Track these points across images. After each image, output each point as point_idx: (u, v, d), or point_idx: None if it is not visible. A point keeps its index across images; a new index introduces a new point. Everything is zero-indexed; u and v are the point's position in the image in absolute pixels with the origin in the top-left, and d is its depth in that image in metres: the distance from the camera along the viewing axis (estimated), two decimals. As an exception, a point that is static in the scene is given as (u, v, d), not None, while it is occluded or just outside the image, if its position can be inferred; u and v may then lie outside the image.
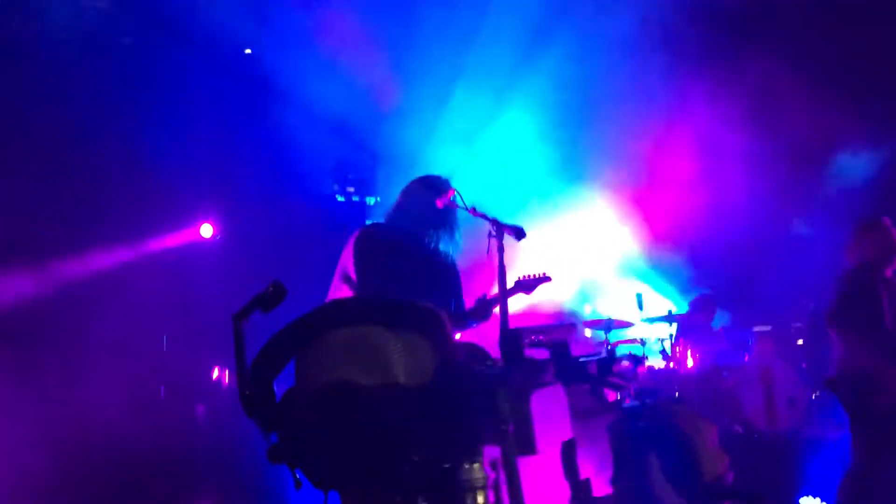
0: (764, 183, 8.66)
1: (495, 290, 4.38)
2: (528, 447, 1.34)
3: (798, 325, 8.30)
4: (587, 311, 9.12)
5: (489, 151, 8.30)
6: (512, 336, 1.37)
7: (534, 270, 4.64)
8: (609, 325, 8.04)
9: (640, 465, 1.39)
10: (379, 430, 1.48)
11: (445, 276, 4.70)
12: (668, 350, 7.81)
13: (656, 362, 7.91)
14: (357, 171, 8.27)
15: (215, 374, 7.70)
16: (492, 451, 1.39)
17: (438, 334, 1.49)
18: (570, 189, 8.37)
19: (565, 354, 1.48)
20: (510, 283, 4.48)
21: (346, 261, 4.59)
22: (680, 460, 1.39)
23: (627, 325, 8.12)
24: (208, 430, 7.49)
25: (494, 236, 4.33)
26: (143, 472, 6.64)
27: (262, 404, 1.59)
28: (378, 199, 8.24)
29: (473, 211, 4.52)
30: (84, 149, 7.01)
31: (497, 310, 4.24)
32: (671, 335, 7.86)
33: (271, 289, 1.63)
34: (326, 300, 4.64)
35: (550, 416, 1.41)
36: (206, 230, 7.68)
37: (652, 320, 8.04)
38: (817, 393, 7.76)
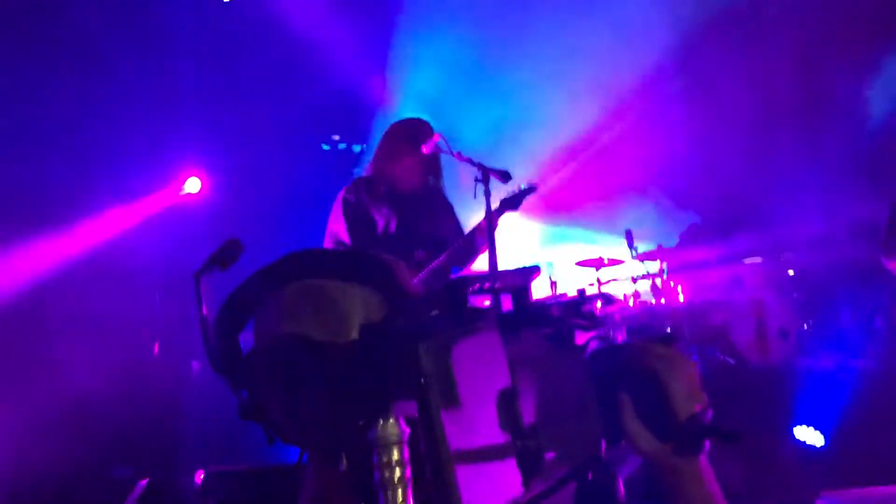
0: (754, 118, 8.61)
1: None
2: (451, 399, 1.33)
3: (788, 255, 8.30)
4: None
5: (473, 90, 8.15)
6: (453, 284, 1.35)
7: (517, 185, 4.55)
8: (600, 264, 8.07)
9: (610, 407, 1.38)
10: (327, 386, 1.48)
11: (444, 218, 4.68)
12: (660, 285, 7.83)
13: (648, 298, 7.93)
14: (342, 118, 8.18)
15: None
16: (409, 407, 1.39)
17: (391, 288, 1.47)
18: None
19: (523, 299, 1.46)
20: (494, 205, 4.43)
21: (336, 224, 4.56)
22: (652, 400, 1.38)
23: (619, 262, 8.13)
24: (203, 388, 7.53)
25: (481, 181, 4.33)
26: (135, 429, 6.70)
27: (227, 360, 1.58)
28: (365, 146, 8.17)
29: (459, 155, 4.50)
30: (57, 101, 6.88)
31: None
32: (663, 270, 7.87)
33: (227, 246, 1.61)
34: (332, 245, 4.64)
35: (479, 364, 1.40)
36: (194, 184, 7.62)
37: (643, 257, 8.04)
38: (809, 323, 7.81)
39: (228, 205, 7.57)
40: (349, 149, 8.11)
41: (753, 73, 8.66)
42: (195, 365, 7.68)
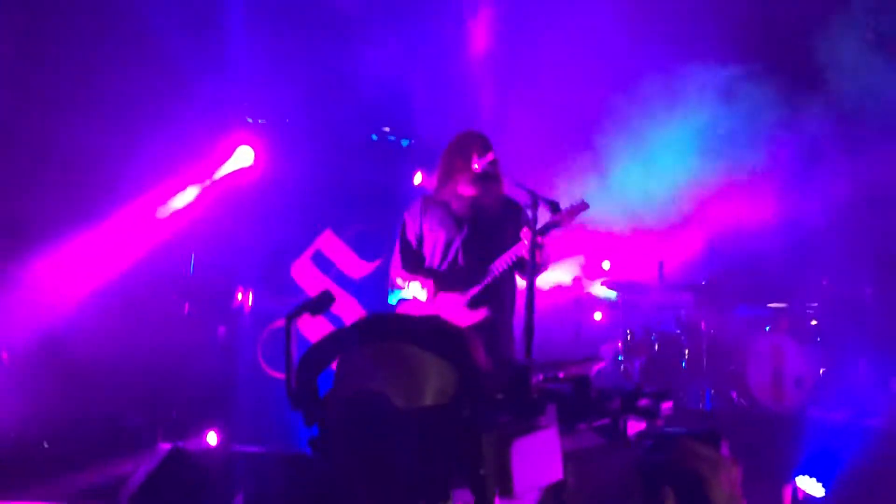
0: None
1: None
2: (506, 491, 1.46)
3: (814, 304, 8.37)
4: (605, 268, 9.16)
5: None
6: (519, 371, 1.44)
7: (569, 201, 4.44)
8: (627, 288, 8.18)
9: (655, 499, 1.50)
10: (393, 448, 1.61)
11: (504, 230, 4.70)
12: (683, 318, 7.92)
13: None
14: (392, 112, 8.26)
15: (239, 297, 7.87)
16: (466, 495, 1.53)
17: (465, 362, 1.61)
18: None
19: (585, 391, 1.57)
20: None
21: (397, 243, 4.73)
22: (695, 498, 1.49)
23: (645, 289, 8.22)
24: (225, 352, 7.68)
25: (529, 207, 4.26)
26: (152, 382, 6.87)
27: (304, 399, 1.73)
28: (413, 140, 8.26)
29: (510, 179, 4.49)
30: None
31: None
32: (692, 304, 7.95)
33: (321, 296, 1.77)
34: (389, 271, 4.79)
35: (536, 458, 1.52)
36: (247, 154, 7.67)
37: (672, 288, 8.12)
38: (824, 370, 7.89)
39: (277, 181, 7.68)
40: (398, 141, 8.21)
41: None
42: (221, 329, 7.83)
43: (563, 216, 4.40)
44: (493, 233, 4.65)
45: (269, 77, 7.54)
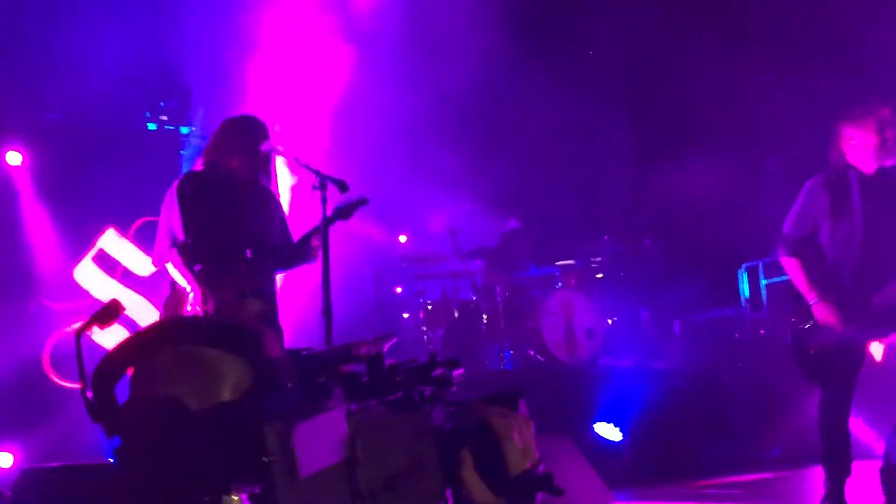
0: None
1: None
2: (293, 476, 1.50)
3: (598, 259, 8.83)
4: (402, 241, 9.29)
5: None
6: (309, 359, 1.47)
7: (349, 196, 4.43)
8: (425, 259, 8.34)
9: (452, 463, 1.56)
10: (189, 449, 1.61)
11: (272, 217, 4.64)
12: (479, 284, 8.15)
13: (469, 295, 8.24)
14: (170, 99, 7.96)
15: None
16: (254, 482, 1.56)
17: (259, 357, 1.62)
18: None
19: (377, 369, 1.62)
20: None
21: (171, 218, 4.45)
22: (490, 457, 1.57)
23: (443, 258, 8.40)
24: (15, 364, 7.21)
25: (317, 188, 4.27)
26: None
27: (102, 410, 1.70)
28: (193, 128, 7.99)
29: (297, 161, 4.43)
30: None
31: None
32: (485, 269, 8.20)
33: (108, 307, 1.73)
34: (154, 256, 4.54)
35: (322, 440, 1.56)
36: (14, 157, 7.16)
37: (465, 255, 8.33)
38: (612, 320, 8.36)
39: (50, 181, 7.21)
40: (177, 130, 7.91)
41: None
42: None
43: (344, 209, 4.44)
44: (265, 220, 4.60)
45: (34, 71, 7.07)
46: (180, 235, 4.38)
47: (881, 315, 4.48)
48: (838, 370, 4.51)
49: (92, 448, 6.08)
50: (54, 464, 4.28)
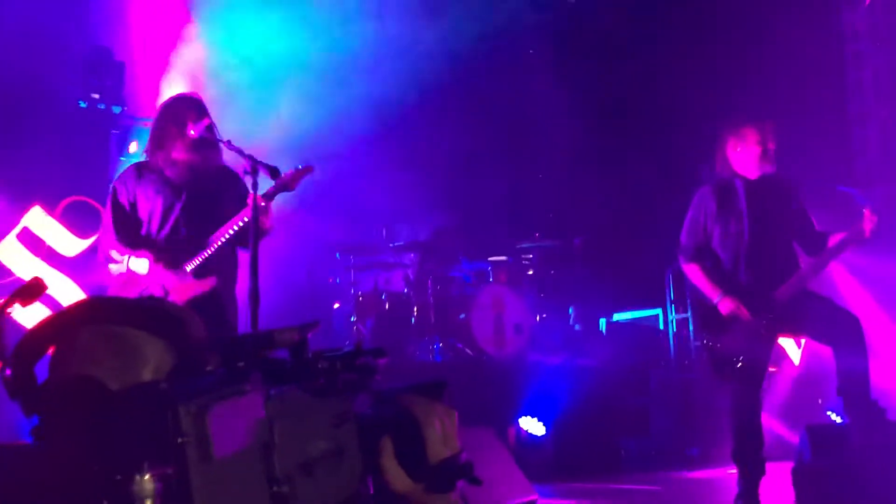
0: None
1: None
2: (207, 457, 1.51)
3: (529, 256, 8.92)
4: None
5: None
6: (231, 343, 1.49)
7: (293, 165, 4.34)
8: (359, 250, 8.32)
9: (373, 451, 1.59)
10: (105, 430, 1.61)
11: (225, 194, 4.56)
12: (412, 277, 8.16)
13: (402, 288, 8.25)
14: (103, 78, 7.77)
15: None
16: (165, 463, 1.56)
17: (182, 340, 1.62)
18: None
19: (301, 355, 1.64)
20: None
21: (106, 215, 4.50)
22: (410, 444, 1.60)
23: (376, 250, 8.39)
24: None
25: (249, 173, 4.18)
26: None
27: (21, 388, 1.68)
28: (125, 108, 7.83)
29: (228, 144, 4.32)
30: None
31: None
32: (417, 262, 8.21)
33: (30, 284, 1.71)
34: (100, 244, 4.51)
35: (237, 423, 1.58)
36: None
37: (398, 248, 8.34)
38: (540, 316, 8.45)
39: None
40: (108, 109, 7.74)
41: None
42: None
43: (287, 180, 4.30)
44: (212, 200, 4.53)
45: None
46: (112, 233, 4.42)
47: (784, 311, 4.66)
48: (745, 369, 4.66)
49: (9, 428, 5.94)
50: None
